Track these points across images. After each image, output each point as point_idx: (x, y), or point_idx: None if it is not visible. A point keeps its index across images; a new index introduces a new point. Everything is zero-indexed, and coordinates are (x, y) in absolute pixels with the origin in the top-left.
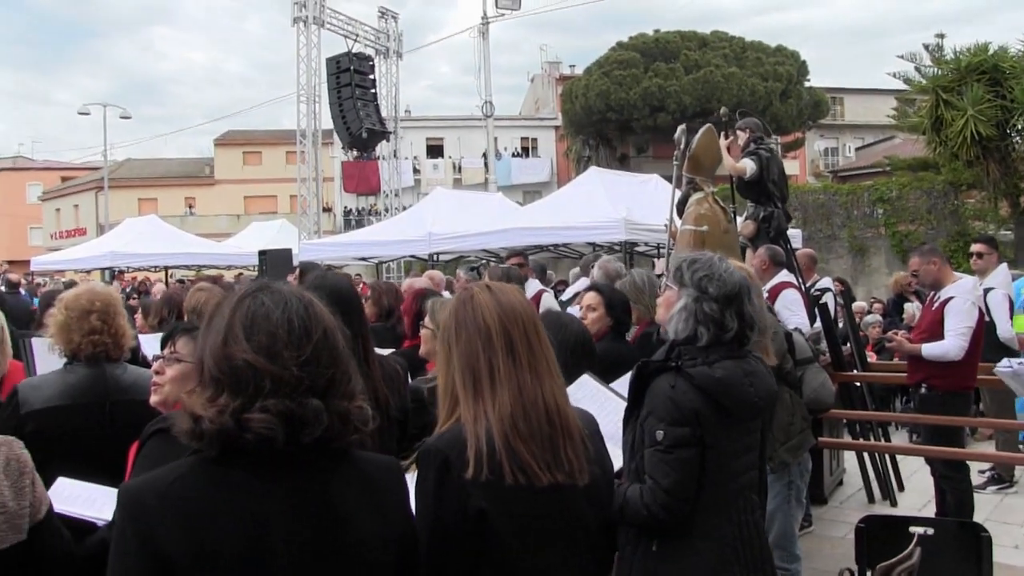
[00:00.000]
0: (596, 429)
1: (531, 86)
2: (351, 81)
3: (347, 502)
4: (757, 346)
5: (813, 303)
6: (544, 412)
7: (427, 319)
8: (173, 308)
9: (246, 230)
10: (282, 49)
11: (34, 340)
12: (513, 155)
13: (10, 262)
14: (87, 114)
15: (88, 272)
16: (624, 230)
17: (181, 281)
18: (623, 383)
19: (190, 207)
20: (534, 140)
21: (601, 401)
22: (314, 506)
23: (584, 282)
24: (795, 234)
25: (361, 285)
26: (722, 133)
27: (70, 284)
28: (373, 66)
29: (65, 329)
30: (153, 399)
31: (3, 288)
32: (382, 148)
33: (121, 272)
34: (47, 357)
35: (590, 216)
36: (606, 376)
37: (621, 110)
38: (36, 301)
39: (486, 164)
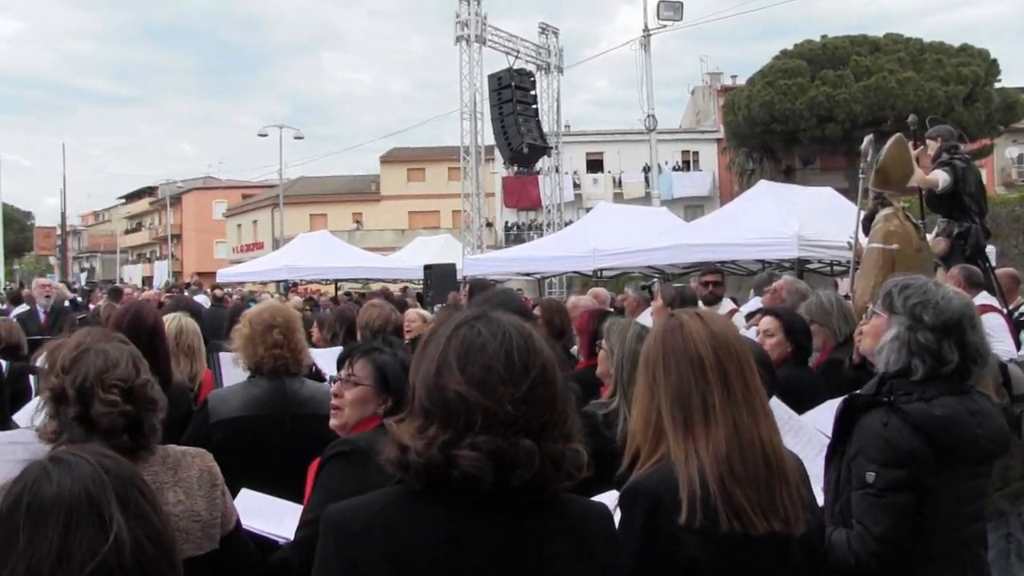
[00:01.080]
0: (805, 471)
1: (692, 98)
2: (512, 97)
3: (553, 549)
4: (980, 381)
5: (1018, 328)
6: (761, 453)
7: (603, 340)
8: (345, 323)
9: (411, 244)
10: (444, 68)
11: (221, 354)
12: (674, 169)
13: (199, 274)
14: (265, 136)
15: (264, 284)
16: (796, 246)
17: (348, 295)
18: (811, 416)
19: (358, 222)
20: (695, 153)
21: (795, 430)
22: (518, 551)
23: (757, 302)
24: (988, 251)
25: (525, 300)
26: (911, 143)
27: (246, 298)
28: (534, 82)
29: (249, 343)
30: (333, 422)
31: (210, 302)
32: (543, 163)
33: (295, 284)
34: (232, 370)
35: (760, 232)
36: (789, 406)
37: (786, 121)
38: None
39: (647, 178)
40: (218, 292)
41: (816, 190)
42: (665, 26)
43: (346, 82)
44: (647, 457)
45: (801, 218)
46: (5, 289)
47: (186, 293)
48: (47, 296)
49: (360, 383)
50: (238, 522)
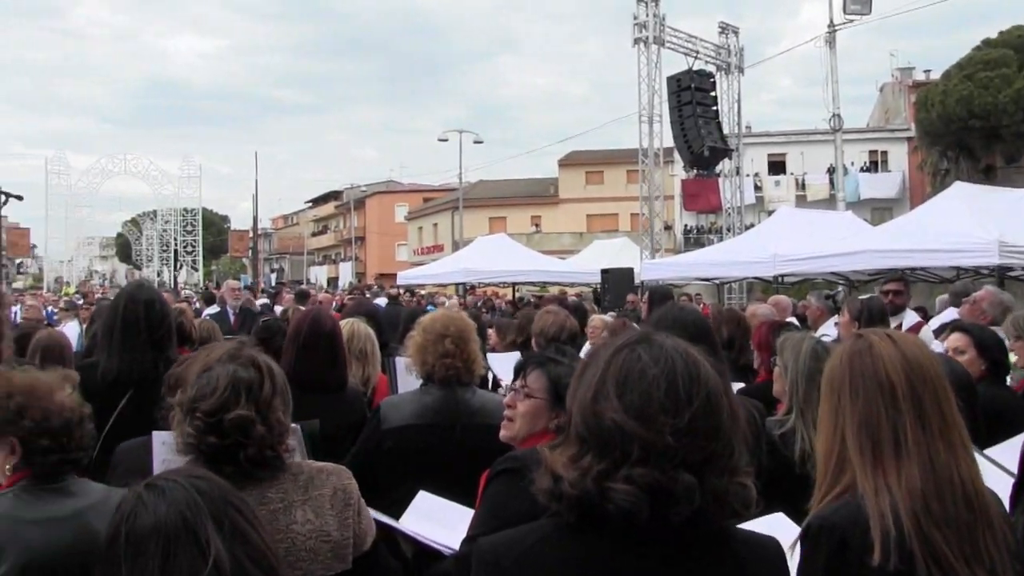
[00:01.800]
0: (1008, 516)
1: (880, 95)
2: (692, 99)
3: None
4: None
5: None
6: (961, 493)
7: (777, 356)
8: (527, 329)
9: (588, 248)
10: (622, 69)
11: (397, 359)
12: (861, 170)
13: (381, 275)
14: (445, 140)
15: (444, 286)
16: (997, 253)
17: (525, 300)
18: (1013, 445)
19: (536, 225)
20: (883, 153)
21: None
22: None
23: (952, 313)
24: None
25: (702, 305)
26: None
27: (425, 302)
28: (714, 82)
29: (421, 351)
30: (503, 434)
31: (384, 301)
32: (723, 165)
33: (473, 287)
34: (406, 377)
35: (955, 237)
36: (987, 428)
37: (987, 116)
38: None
39: (831, 179)
40: (392, 291)
41: (1020, 192)
42: (852, 21)
43: (523, 86)
44: (829, 487)
45: (1002, 222)
46: (202, 290)
47: (368, 295)
48: (236, 298)
49: (533, 395)
50: (376, 542)
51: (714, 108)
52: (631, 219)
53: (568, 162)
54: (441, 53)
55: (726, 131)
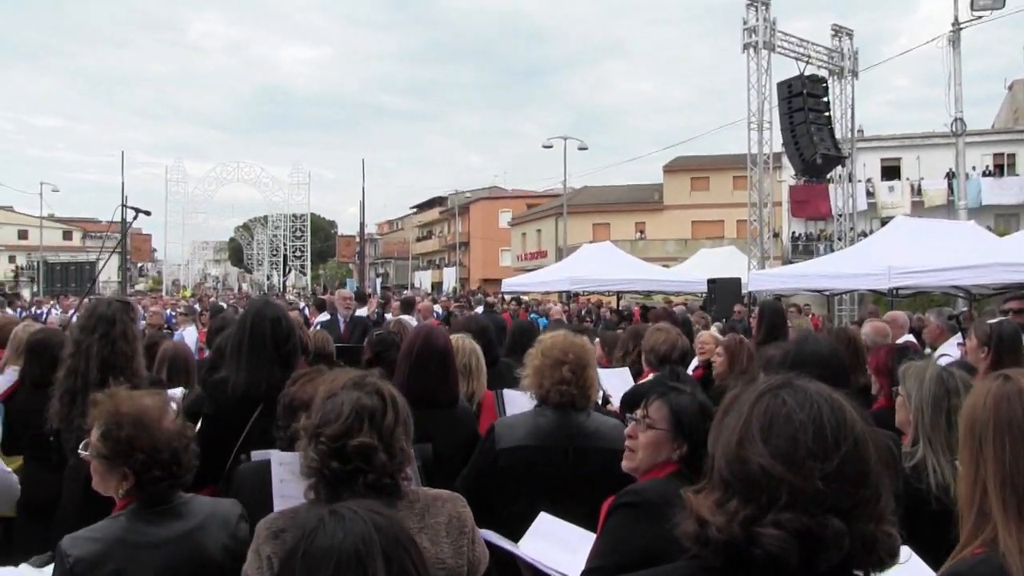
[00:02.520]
0: None
1: (1009, 94)
2: (804, 105)
3: None
4: None
5: None
6: None
7: (900, 386)
8: (638, 344)
9: (695, 256)
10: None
11: (506, 392)
12: (983, 174)
13: (485, 280)
14: (550, 147)
15: (547, 294)
16: None
17: (627, 311)
18: None
19: (640, 232)
20: (1010, 156)
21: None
22: None
23: None
24: None
25: (811, 316)
26: None
27: (529, 309)
28: (826, 87)
29: (539, 374)
30: (625, 464)
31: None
32: (834, 170)
33: (577, 295)
34: (517, 404)
35: None
36: None
37: None
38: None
39: (951, 185)
40: (490, 299)
41: None
42: (980, 17)
43: (628, 91)
44: (968, 539)
45: None
46: (311, 295)
47: (472, 300)
48: (347, 308)
49: (655, 426)
50: (488, 570)
51: (826, 114)
52: (737, 226)
53: (673, 168)
54: (546, 58)
55: (838, 136)
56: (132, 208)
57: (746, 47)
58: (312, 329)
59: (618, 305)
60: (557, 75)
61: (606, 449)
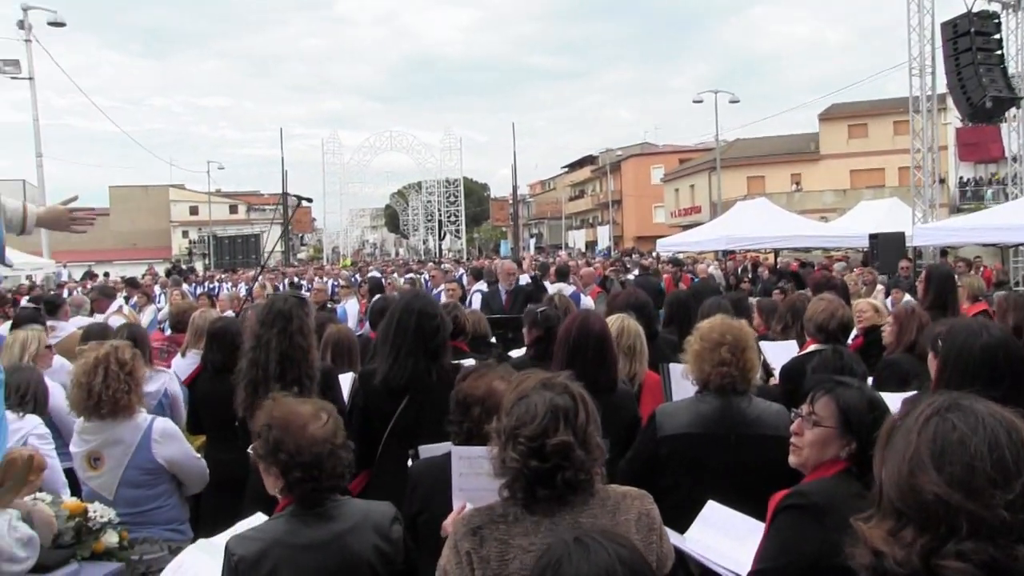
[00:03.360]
0: None
1: None
2: (971, 45)
3: None
4: None
5: None
6: None
7: None
8: (797, 316)
9: (854, 210)
10: (890, 10)
11: (671, 366)
12: None
13: (638, 238)
14: (700, 102)
15: (702, 253)
16: None
17: (783, 273)
18: None
19: (796, 184)
20: None
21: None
22: None
23: None
24: None
25: (983, 269)
26: None
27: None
28: (999, 24)
29: (698, 359)
30: (792, 460)
31: (636, 273)
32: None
33: (733, 253)
34: (681, 381)
35: None
36: None
37: None
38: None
39: None
40: (645, 262)
41: None
42: None
43: (781, 36)
44: None
45: None
46: (469, 265)
47: (627, 261)
48: (509, 283)
49: (821, 423)
50: (674, 565)
51: (998, 52)
52: (899, 173)
53: (829, 116)
54: (694, 9)
55: (1012, 72)
56: (295, 196)
57: None
58: (469, 301)
59: (776, 263)
60: (707, 24)
61: (768, 436)
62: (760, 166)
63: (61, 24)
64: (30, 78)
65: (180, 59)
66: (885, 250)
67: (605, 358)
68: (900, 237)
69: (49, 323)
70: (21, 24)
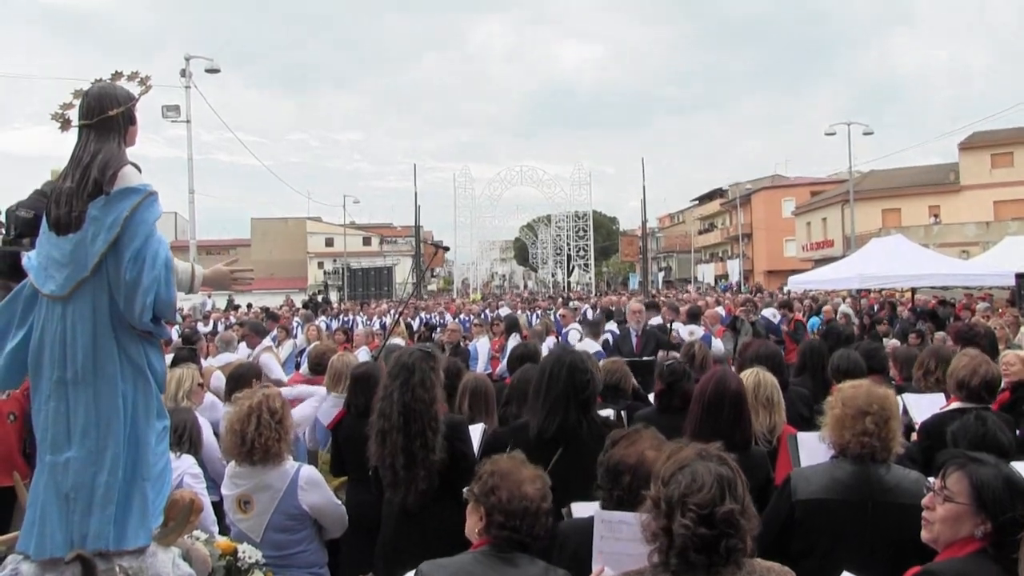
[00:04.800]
0: None
1: None
2: None
3: None
4: None
5: None
6: None
7: None
8: (941, 364)
9: (999, 245)
10: None
11: (800, 436)
12: None
13: (769, 272)
14: (833, 134)
15: (832, 292)
16: None
17: (920, 315)
18: None
19: (935, 216)
20: None
21: None
22: None
23: None
24: None
25: None
26: None
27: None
28: None
29: (839, 424)
30: (924, 535)
31: (774, 312)
32: None
33: (867, 291)
34: (813, 449)
35: None
36: None
37: None
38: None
39: None
40: (783, 297)
41: None
42: None
43: (918, 62)
44: None
45: None
46: (595, 304)
47: (756, 297)
48: (638, 321)
49: (952, 499)
50: None
51: None
52: None
53: (970, 144)
54: (828, 37)
55: None
56: (433, 244)
57: None
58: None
59: (913, 300)
60: (839, 52)
61: (907, 505)
62: (896, 198)
63: (216, 71)
64: (187, 121)
65: (317, 96)
66: None
67: (740, 417)
68: None
69: None
70: (183, 72)
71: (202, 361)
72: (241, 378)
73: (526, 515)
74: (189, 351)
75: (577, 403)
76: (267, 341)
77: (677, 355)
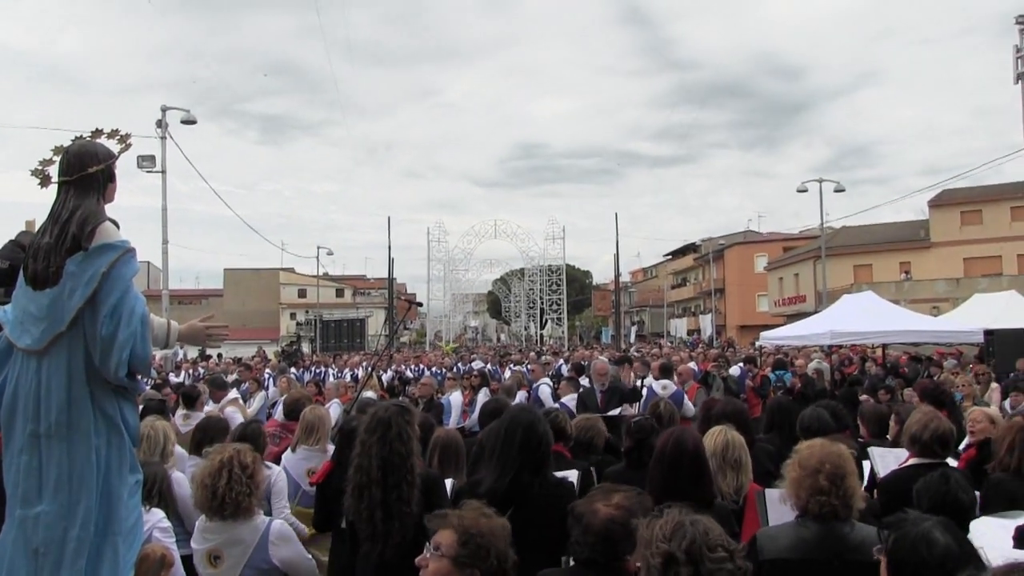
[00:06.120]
0: None
1: None
2: None
3: None
4: None
5: None
6: None
7: None
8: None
9: (968, 303)
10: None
11: (768, 492)
12: None
13: (741, 327)
14: (804, 191)
15: (804, 347)
16: None
17: (890, 370)
18: None
19: (906, 272)
20: None
21: None
22: None
23: None
24: None
25: None
26: None
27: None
28: None
29: (796, 486)
30: None
31: (739, 369)
32: None
33: (838, 346)
34: (779, 507)
35: None
36: None
37: None
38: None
39: None
40: (751, 352)
41: None
42: None
43: (889, 120)
44: None
45: None
46: (568, 351)
47: (728, 353)
48: (602, 383)
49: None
50: None
51: None
52: (1017, 260)
53: (940, 202)
54: (798, 94)
55: None
56: (406, 300)
57: (1020, 77)
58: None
59: (883, 355)
60: (813, 110)
61: (873, 564)
62: (867, 254)
63: (192, 122)
64: (162, 172)
65: (293, 146)
66: (1002, 347)
67: (701, 475)
68: (1020, 334)
69: (182, 412)
70: (158, 123)
71: (196, 415)
72: (208, 431)
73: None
74: (159, 403)
75: (530, 463)
76: (232, 394)
77: (637, 407)
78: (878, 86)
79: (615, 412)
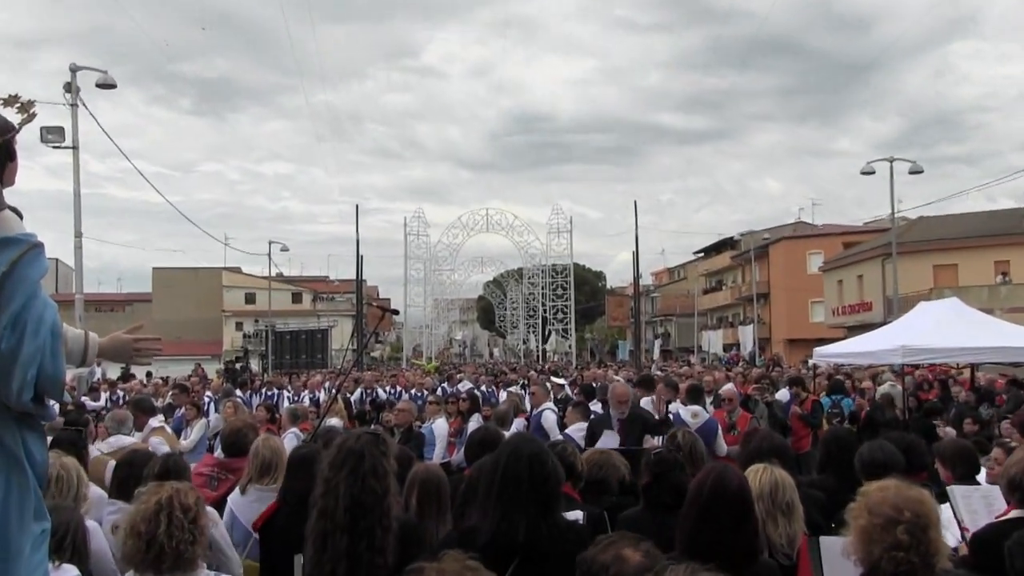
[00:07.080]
0: None
1: None
2: None
3: None
4: None
5: None
6: None
7: None
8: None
9: None
10: None
11: (824, 541)
12: None
13: (791, 341)
14: (871, 173)
15: (869, 367)
16: None
17: (983, 395)
18: None
19: (1003, 273)
20: None
21: None
22: None
23: None
24: None
25: None
26: None
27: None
28: None
29: (866, 538)
30: None
31: (786, 393)
32: None
33: (914, 367)
34: (840, 560)
35: None
36: None
37: None
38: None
39: None
40: (800, 373)
41: None
42: None
43: (983, 83)
44: None
45: None
46: (579, 378)
47: (773, 372)
48: (622, 411)
49: None
50: None
51: None
52: None
53: None
54: (866, 50)
55: None
56: (379, 306)
57: None
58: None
59: (972, 378)
60: (883, 70)
61: None
62: (952, 251)
63: (111, 85)
64: (73, 147)
65: (238, 117)
66: None
67: (743, 524)
68: None
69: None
70: (67, 86)
71: (90, 446)
72: (134, 466)
73: None
74: (74, 433)
75: (537, 503)
76: (155, 421)
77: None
78: (969, 38)
79: (636, 448)
